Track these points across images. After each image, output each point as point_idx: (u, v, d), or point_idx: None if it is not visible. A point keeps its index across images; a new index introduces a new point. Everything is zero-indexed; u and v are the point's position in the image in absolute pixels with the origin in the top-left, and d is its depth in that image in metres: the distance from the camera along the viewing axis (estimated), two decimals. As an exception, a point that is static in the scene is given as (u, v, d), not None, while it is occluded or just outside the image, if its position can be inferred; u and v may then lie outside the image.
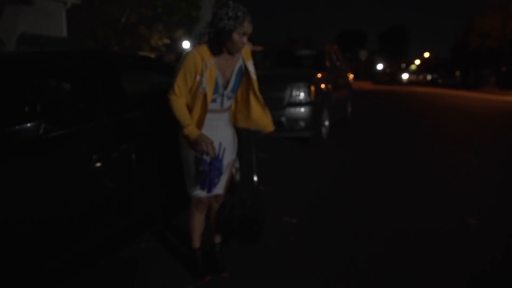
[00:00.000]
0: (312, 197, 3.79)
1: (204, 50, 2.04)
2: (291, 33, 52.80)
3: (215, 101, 2.13)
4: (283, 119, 5.60)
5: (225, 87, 2.13)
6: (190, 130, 2.06)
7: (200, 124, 2.09)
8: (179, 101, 2.07)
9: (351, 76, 9.14)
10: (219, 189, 2.22)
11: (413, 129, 8.05)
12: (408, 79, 65.07)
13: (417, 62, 79.14)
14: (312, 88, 5.69)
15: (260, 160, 5.30)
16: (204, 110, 2.07)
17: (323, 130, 6.14)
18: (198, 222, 2.33)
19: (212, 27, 2.01)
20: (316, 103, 5.75)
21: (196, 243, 2.37)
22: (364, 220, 3.22)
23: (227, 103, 2.21)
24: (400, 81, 55.46)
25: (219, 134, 2.18)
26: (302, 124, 5.66)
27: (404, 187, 4.05)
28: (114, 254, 2.48)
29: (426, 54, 72.99)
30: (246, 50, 2.19)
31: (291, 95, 5.65)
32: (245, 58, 2.19)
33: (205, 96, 2.05)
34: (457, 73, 50.18)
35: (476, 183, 4.24)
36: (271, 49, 8.31)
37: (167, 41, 18.40)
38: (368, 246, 2.75)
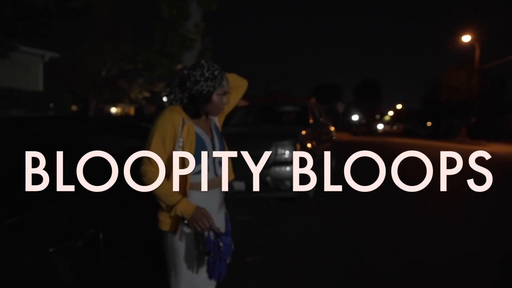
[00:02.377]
0: (305, 268, 3.41)
1: (180, 108, 1.76)
2: (269, 86, 54.50)
3: (208, 168, 1.79)
4: (268, 178, 5.33)
5: (213, 148, 1.82)
6: (184, 206, 1.65)
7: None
8: (158, 174, 1.70)
9: (333, 128, 9.12)
10: (210, 284, 1.83)
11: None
12: (383, 129, 67.28)
13: (391, 113, 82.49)
14: (298, 146, 5.51)
15: (244, 223, 4.94)
16: (184, 180, 1.71)
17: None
18: None
19: (186, 91, 1.75)
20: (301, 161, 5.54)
21: None
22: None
23: (220, 171, 1.86)
24: (375, 131, 57.12)
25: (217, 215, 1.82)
26: (288, 183, 5.39)
27: (398, 250, 3.75)
28: None
29: (399, 106, 76.37)
30: None
31: (276, 154, 5.43)
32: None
33: (183, 161, 1.69)
34: (429, 123, 52.26)
35: (457, 235, 3.99)
36: (253, 104, 8.24)
37: (147, 94, 18.38)
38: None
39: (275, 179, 5.36)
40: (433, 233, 4.52)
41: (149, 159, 1.69)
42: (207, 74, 1.71)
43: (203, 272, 1.80)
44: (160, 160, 1.70)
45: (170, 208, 1.69)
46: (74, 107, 21.19)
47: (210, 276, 1.68)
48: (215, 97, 1.74)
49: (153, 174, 1.69)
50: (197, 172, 1.77)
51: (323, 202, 6.11)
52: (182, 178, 1.72)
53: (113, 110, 31.65)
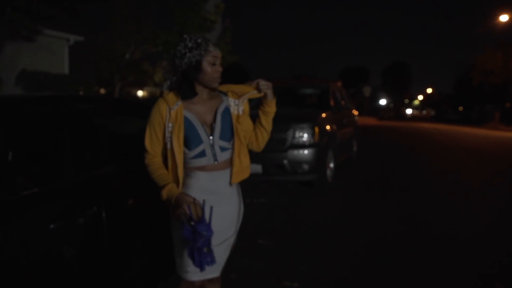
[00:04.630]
0: (317, 254, 3.34)
1: (170, 94, 1.71)
2: (294, 69, 53.55)
3: (204, 154, 1.71)
4: (285, 161, 5.25)
5: (211, 134, 1.73)
6: (167, 190, 1.65)
7: (181, 185, 1.72)
8: (154, 161, 1.73)
9: (355, 112, 8.86)
10: (214, 269, 1.75)
11: (422, 170, 7.65)
12: (412, 114, 65.36)
13: (420, 97, 79.85)
14: (316, 129, 5.38)
15: (260, 206, 4.91)
16: (174, 163, 1.69)
17: (328, 172, 5.76)
18: None
19: (178, 71, 1.69)
20: (320, 144, 5.42)
21: None
22: (376, 285, 2.78)
23: (223, 156, 1.75)
24: (404, 116, 55.63)
25: (221, 200, 1.75)
26: (305, 167, 5.29)
27: (420, 239, 3.61)
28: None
29: (429, 90, 73.74)
30: (242, 87, 1.81)
31: (294, 137, 5.33)
32: (232, 95, 1.79)
33: (172, 146, 1.68)
34: (460, 108, 50.27)
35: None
36: (274, 87, 8.09)
37: (170, 77, 18.47)
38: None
39: (292, 162, 5.27)
40: (453, 216, 4.33)
41: (146, 147, 1.74)
42: (190, 44, 1.65)
43: (216, 251, 1.73)
44: (156, 147, 1.73)
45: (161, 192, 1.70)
46: (102, 90, 21.63)
47: (194, 263, 1.61)
48: (205, 66, 1.66)
49: (151, 160, 1.74)
50: (194, 156, 1.72)
51: (342, 186, 5.99)
52: (174, 164, 1.71)
53: (140, 93, 32.05)
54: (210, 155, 1.73)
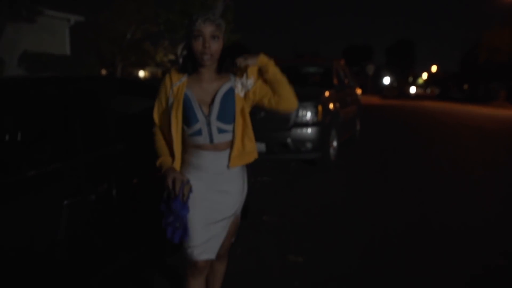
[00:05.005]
0: (320, 230, 3.42)
1: (176, 70, 1.77)
2: (297, 48, 52.76)
3: (200, 133, 1.70)
4: (289, 140, 5.29)
5: (208, 114, 1.70)
6: (160, 161, 1.76)
7: (177, 160, 1.74)
8: (159, 132, 1.82)
9: (359, 91, 8.82)
10: (208, 252, 1.77)
11: (424, 149, 7.67)
12: (416, 92, 64.73)
13: (425, 75, 78.87)
14: (320, 107, 5.38)
15: (264, 184, 4.98)
16: (171, 138, 1.72)
17: (331, 151, 5.80)
18: None
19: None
20: (323, 123, 5.43)
21: None
22: (379, 261, 2.85)
23: (221, 138, 1.72)
24: (408, 94, 55.13)
25: (220, 180, 1.76)
26: (309, 145, 5.33)
27: (421, 217, 3.68)
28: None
29: (434, 68, 72.74)
30: (252, 69, 1.72)
31: (297, 115, 5.34)
32: (239, 75, 1.73)
33: (170, 121, 1.72)
34: (465, 87, 49.65)
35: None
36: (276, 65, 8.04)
37: (172, 57, 18.36)
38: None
39: (296, 141, 5.30)
40: (454, 199, 4.38)
41: (153, 118, 1.82)
42: (186, 22, 1.70)
43: (213, 229, 1.79)
44: (160, 121, 1.81)
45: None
46: (103, 71, 21.51)
47: (167, 234, 1.69)
48: (192, 41, 1.65)
49: (155, 131, 1.83)
50: (191, 133, 1.73)
51: (345, 164, 6.04)
52: (171, 138, 1.74)
53: (141, 73, 31.82)
54: (206, 135, 1.71)
